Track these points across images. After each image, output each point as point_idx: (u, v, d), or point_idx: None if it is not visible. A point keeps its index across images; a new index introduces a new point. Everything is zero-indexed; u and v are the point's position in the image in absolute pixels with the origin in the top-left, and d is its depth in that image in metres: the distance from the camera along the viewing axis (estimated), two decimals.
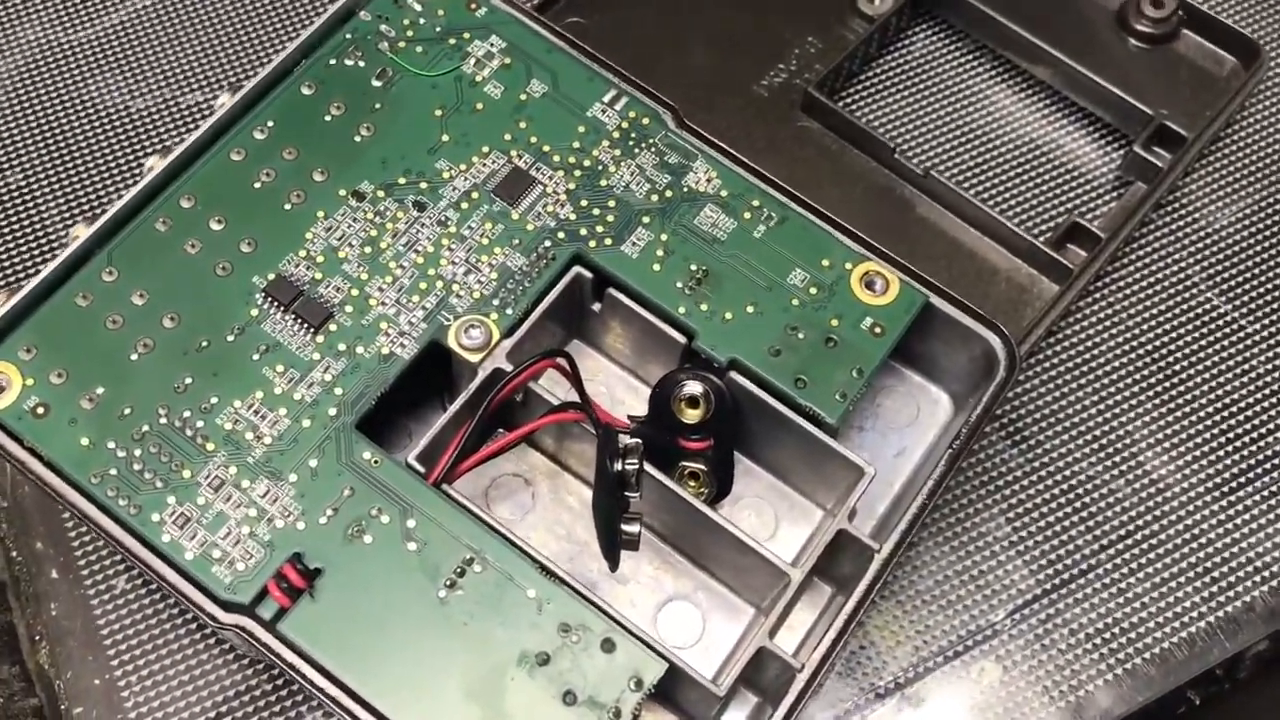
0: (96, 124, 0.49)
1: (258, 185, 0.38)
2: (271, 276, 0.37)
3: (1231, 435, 0.44)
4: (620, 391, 0.41)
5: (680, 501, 0.36)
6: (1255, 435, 0.44)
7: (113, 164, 0.48)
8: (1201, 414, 0.44)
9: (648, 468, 0.36)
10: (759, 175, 0.40)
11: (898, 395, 0.41)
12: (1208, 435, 0.44)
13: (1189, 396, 0.44)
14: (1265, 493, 0.43)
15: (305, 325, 0.36)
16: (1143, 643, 0.40)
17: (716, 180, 0.39)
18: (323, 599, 0.33)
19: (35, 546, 0.42)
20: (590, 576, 0.38)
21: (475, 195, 0.38)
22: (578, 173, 0.39)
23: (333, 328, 0.36)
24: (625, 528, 0.34)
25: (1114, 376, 0.44)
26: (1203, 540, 0.42)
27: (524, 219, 0.38)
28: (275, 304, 0.36)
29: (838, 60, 0.48)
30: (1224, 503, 0.43)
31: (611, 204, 0.39)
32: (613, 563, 0.34)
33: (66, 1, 0.52)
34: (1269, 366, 0.45)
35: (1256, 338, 0.45)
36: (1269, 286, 0.46)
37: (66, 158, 0.48)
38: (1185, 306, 0.46)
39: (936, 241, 0.46)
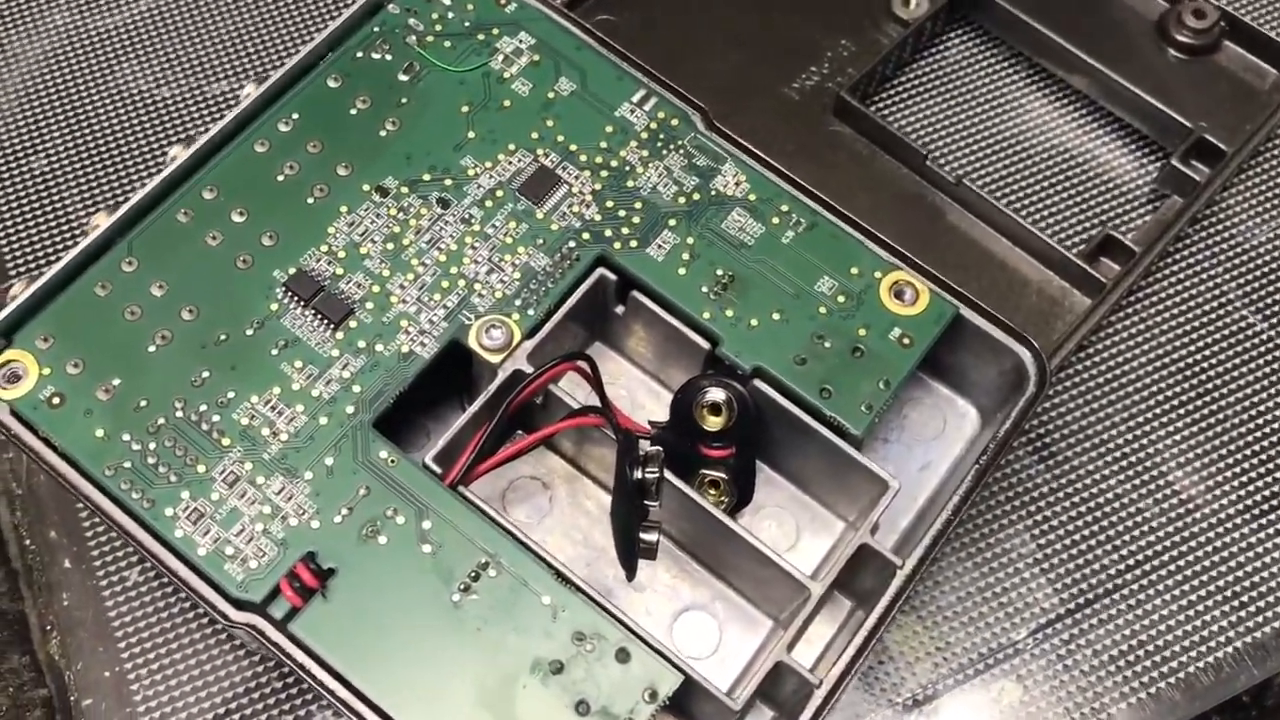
0: (122, 111, 0.49)
1: (281, 178, 0.38)
2: (292, 271, 0.36)
3: (1264, 457, 0.43)
4: (642, 396, 0.40)
5: (699, 510, 0.35)
6: None
7: (137, 152, 0.48)
8: (1233, 434, 0.43)
9: (668, 475, 0.35)
10: (788, 180, 0.39)
11: (924, 407, 0.41)
12: (1239, 456, 0.43)
13: (1221, 416, 0.43)
14: None
15: (325, 321, 0.36)
16: (1167, 666, 0.40)
17: (745, 184, 0.39)
18: (335, 600, 0.33)
19: (49, 536, 0.42)
20: (606, 583, 0.37)
21: (500, 193, 0.38)
22: (604, 173, 0.38)
23: (353, 324, 0.36)
24: (643, 536, 0.33)
25: (1145, 394, 0.43)
26: (1232, 563, 0.41)
27: (549, 219, 0.38)
28: (295, 299, 0.36)
29: (871, 64, 0.48)
30: (1254, 525, 0.42)
31: (638, 205, 0.38)
32: (630, 571, 0.34)
33: None
34: None
35: None
36: None
37: (91, 144, 0.48)
38: (1220, 324, 0.45)
39: (967, 251, 0.45)
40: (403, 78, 0.39)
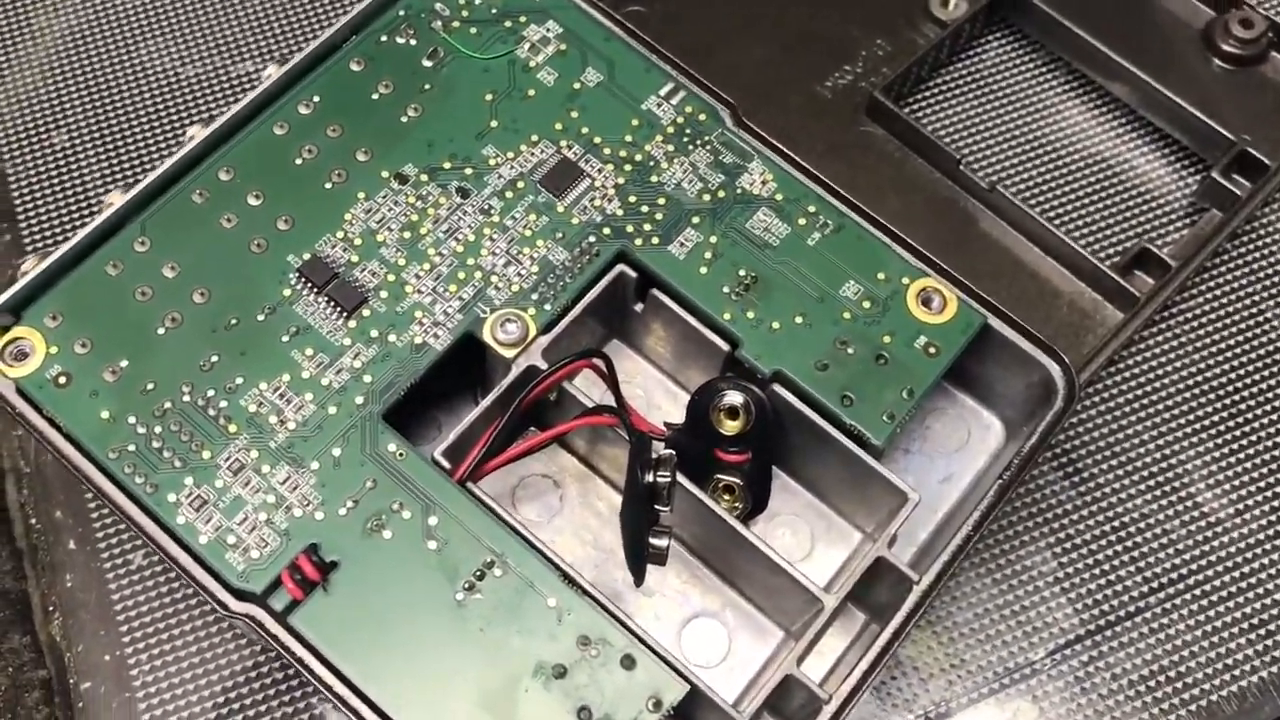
0: (145, 89, 0.48)
1: (299, 161, 0.37)
2: (307, 256, 0.36)
3: None
4: (658, 396, 0.39)
5: (712, 516, 0.35)
6: None
7: (159, 131, 0.47)
8: (1266, 456, 0.42)
9: (680, 479, 0.34)
10: (817, 180, 0.38)
11: (948, 418, 0.40)
12: (1272, 479, 0.41)
13: (1254, 437, 0.42)
14: None
15: (338, 309, 0.35)
16: (1189, 694, 0.38)
17: (772, 183, 0.38)
18: (337, 593, 0.32)
19: (55, 515, 0.41)
20: (614, 587, 0.36)
21: (521, 185, 0.37)
22: (628, 167, 0.38)
23: (366, 313, 0.35)
24: (653, 541, 0.32)
25: (1175, 412, 0.42)
26: (1260, 589, 0.40)
27: (569, 212, 0.37)
28: (309, 285, 0.35)
29: (906, 64, 0.47)
30: None
31: (661, 202, 0.37)
32: (638, 576, 0.33)
33: None
34: None
35: None
36: None
37: (112, 122, 0.48)
38: (1256, 342, 0.44)
39: (998, 259, 0.44)
40: (427, 63, 0.39)
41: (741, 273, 0.36)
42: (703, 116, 0.38)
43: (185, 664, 0.39)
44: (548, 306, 0.36)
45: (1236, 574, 0.40)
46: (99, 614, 0.40)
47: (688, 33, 0.46)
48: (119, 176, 0.46)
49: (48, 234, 0.45)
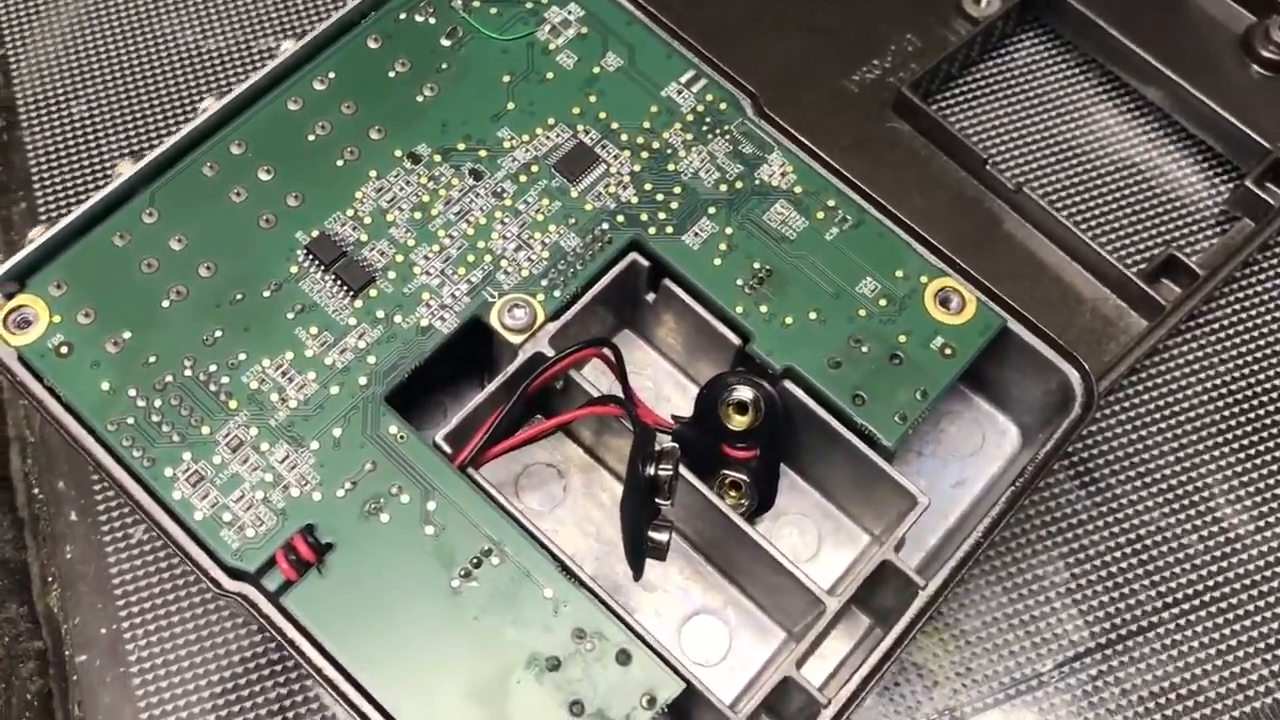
0: (165, 62, 0.48)
1: (311, 138, 0.37)
2: (315, 234, 0.35)
3: None
4: (668, 388, 0.38)
5: (716, 512, 0.34)
6: None
7: (178, 103, 0.47)
8: None
9: (685, 474, 0.34)
10: (838, 174, 0.37)
11: (963, 422, 0.39)
12: None
13: (1278, 453, 0.41)
14: None
15: (345, 288, 0.35)
16: (1200, 713, 0.38)
17: (791, 175, 0.37)
18: (331, 576, 0.32)
19: (57, 486, 0.41)
20: (615, 580, 0.36)
21: (535, 168, 0.37)
22: (645, 154, 0.37)
23: (373, 293, 0.35)
24: (654, 535, 0.32)
25: (1197, 424, 0.41)
26: (1278, 609, 0.39)
27: (583, 198, 0.36)
28: (316, 263, 0.35)
29: (936, 61, 0.46)
30: None
31: (677, 190, 0.36)
32: (636, 570, 0.32)
33: None
34: None
35: None
36: None
37: (132, 93, 0.47)
38: None
39: (1021, 262, 0.43)
40: (445, 42, 0.38)
41: (756, 265, 0.36)
42: (723, 105, 0.38)
43: (181, 641, 0.38)
44: (557, 293, 0.35)
45: (1255, 592, 0.39)
46: (97, 587, 0.39)
47: (714, 20, 0.46)
48: (136, 148, 0.46)
49: (63, 203, 0.45)
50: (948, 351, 0.35)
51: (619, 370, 0.35)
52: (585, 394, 0.35)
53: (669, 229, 0.36)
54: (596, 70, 0.38)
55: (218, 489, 0.32)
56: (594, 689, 0.31)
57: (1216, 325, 0.43)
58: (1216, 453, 0.41)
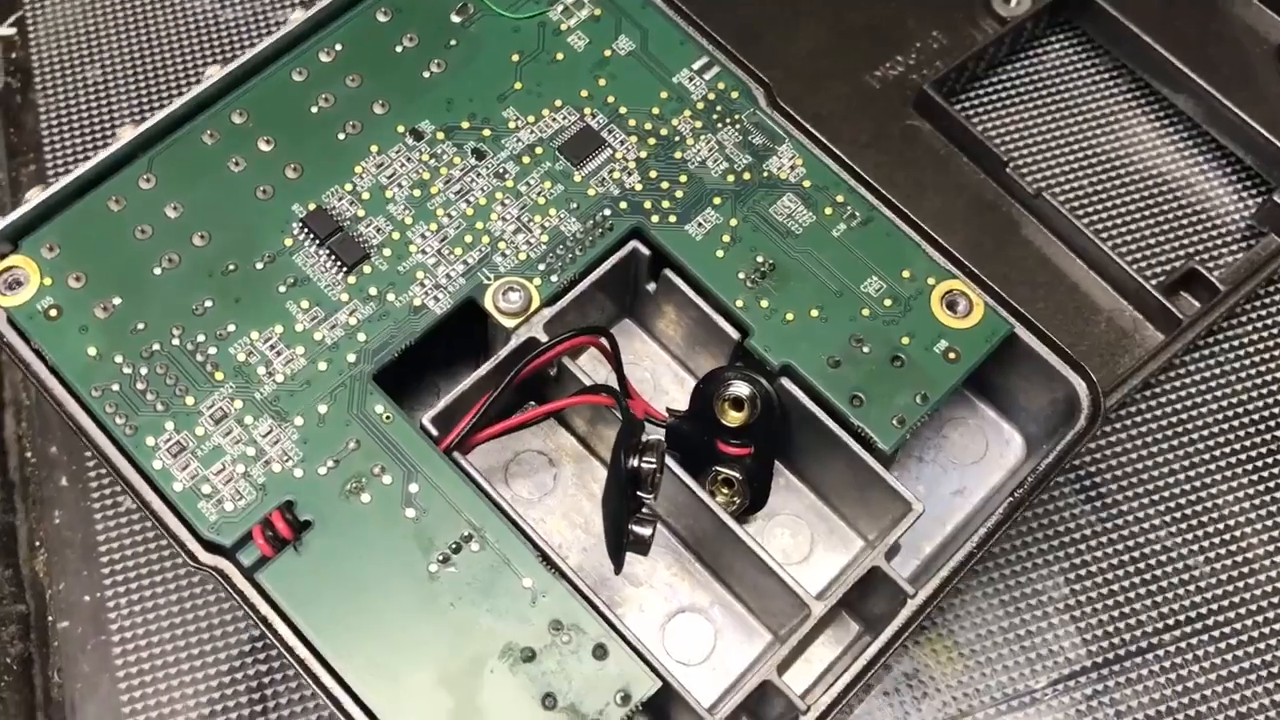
0: (182, 29, 0.48)
1: (314, 110, 0.36)
2: (312, 207, 0.35)
3: None
4: (666, 380, 0.38)
5: (706, 509, 0.33)
6: None
7: (192, 73, 0.47)
8: None
9: (675, 469, 0.33)
10: (849, 169, 0.36)
11: (967, 429, 0.38)
12: None
13: None
14: None
15: (339, 263, 0.34)
16: None
17: (801, 168, 0.36)
18: (308, 554, 0.31)
19: (49, 451, 0.41)
20: (601, 573, 0.35)
21: (539, 150, 0.36)
22: (652, 141, 0.36)
23: (366, 270, 0.34)
24: (637, 529, 0.31)
25: (1210, 443, 0.40)
26: None
27: (586, 182, 0.35)
28: (311, 236, 0.34)
29: (960, 59, 0.45)
30: None
31: (683, 179, 0.36)
32: (616, 564, 0.31)
33: None
34: None
35: None
36: None
37: (147, 60, 0.47)
38: None
39: (1038, 269, 0.42)
40: (455, 19, 0.37)
41: (759, 259, 0.35)
42: (735, 94, 0.37)
43: (164, 612, 0.38)
44: (554, 278, 0.34)
45: (1260, 619, 0.38)
46: (83, 553, 0.39)
47: (735, 9, 0.45)
48: (149, 115, 0.45)
49: (72, 167, 0.45)
50: (951, 356, 0.34)
51: (614, 360, 0.34)
52: (579, 382, 0.34)
53: (672, 218, 0.35)
54: (607, 53, 0.37)
55: (199, 460, 0.32)
56: (568, 682, 0.30)
57: (1236, 342, 0.42)
58: (1229, 473, 0.40)
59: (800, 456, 0.36)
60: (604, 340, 0.34)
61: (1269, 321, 0.42)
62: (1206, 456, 0.40)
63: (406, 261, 0.34)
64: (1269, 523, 0.39)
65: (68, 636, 0.38)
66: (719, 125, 0.36)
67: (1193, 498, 0.40)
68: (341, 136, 0.36)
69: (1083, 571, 0.39)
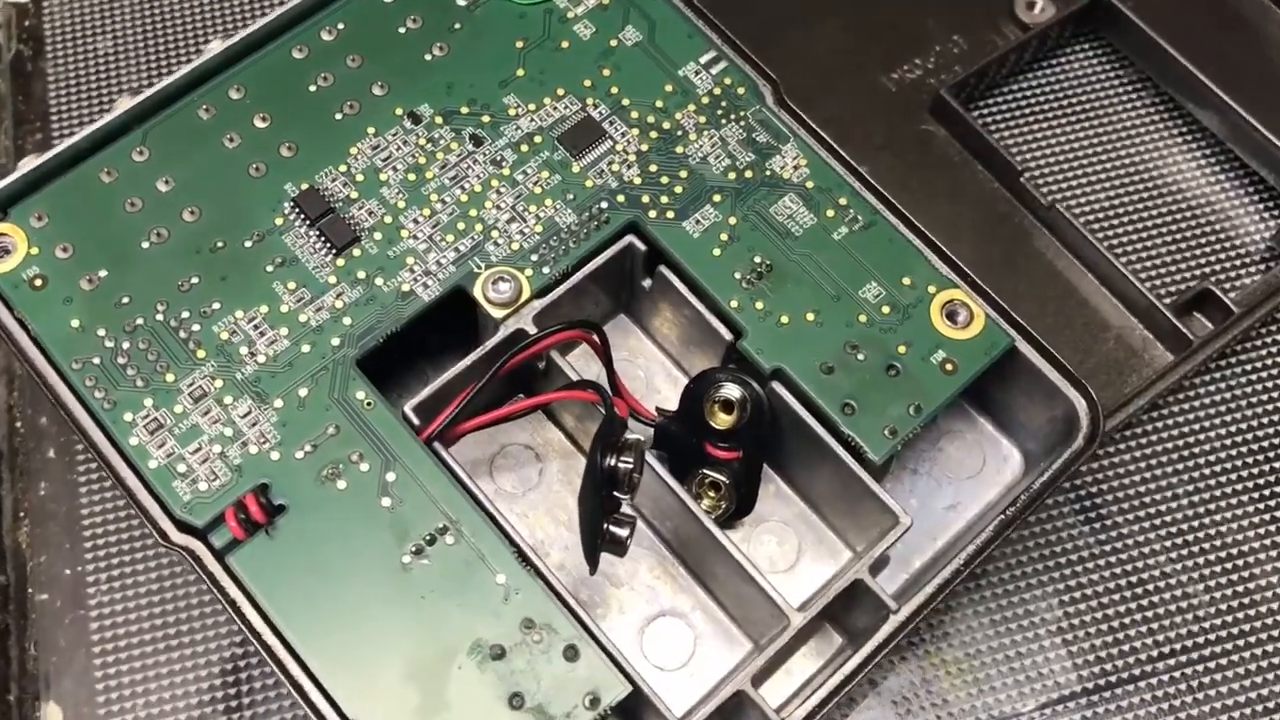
0: (196, 3, 0.47)
1: (312, 88, 0.36)
2: (305, 187, 0.34)
3: None
4: (659, 379, 0.37)
5: (689, 512, 0.32)
6: None
7: (204, 47, 0.46)
8: None
9: (659, 470, 0.32)
10: (854, 172, 0.36)
11: (964, 442, 0.37)
12: None
13: None
14: None
15: (328, 245, 0.34)
16: None
17: (805, 168, 0.35)
18: (279, 539, 0.31)
19: (39, 421, 0.40)
20: (582, 571, 0.34)
21: (538, 139, 0.35)
22: (654, 134, 0.35)
23: (356, 253, 0.34)
24: (613, 529, 0.31)
25: (1216, 468, 0.39)
26: None
27: (584, 174, 0.35)
28: (302, 217, 0.34)
29: (980, 64, 0.44)
30: None
31: (683, 174, 0.35)
32: (591, 564, 0.31)
33: None
34: None
35: None
36: None
37: (159, 33, 0.47)
38: None
39: (1047, 282, 0.41)
40: (461, 2, 0.37)
41: (757, 259, 0.34)
42: (741, 90, 0.36)
43: (144, 590, 0.38)
44: (546, 269, 0.34)
45: (1259, 650, 0.37)
46: (66, 527, 0.39)
47: (750, 4, 0.44)
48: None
49: None
50: (949, 367, 0.33)
51: (604, 355, 0.33)
52: (567, 377, 0.33)
53: (670, 213, 0.35)
54: (613, 43, 0.37)
55: (175, 439, 0.31)
56: (537, 683, 0.30)
57: (1248, 366, 0.41)
58: (1235, 500, 0.39)
59: (790, 463, 0.35)
60: (594, 335, 0.33)
61: None
62: (1212, 482, 0.39)
63: (397, 246, 0.34)
64: (1273, 553, 0.38)
65: (46, 609, 0.38)
66: (723, 121, 0.36)
67: (1195, 524, 0.39)
68: (338, 117, 0.35)
69: (1078, 594, 0.38)
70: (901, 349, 0.33)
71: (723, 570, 0.33)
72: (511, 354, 0.32)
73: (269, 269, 0.33)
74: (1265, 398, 0.40)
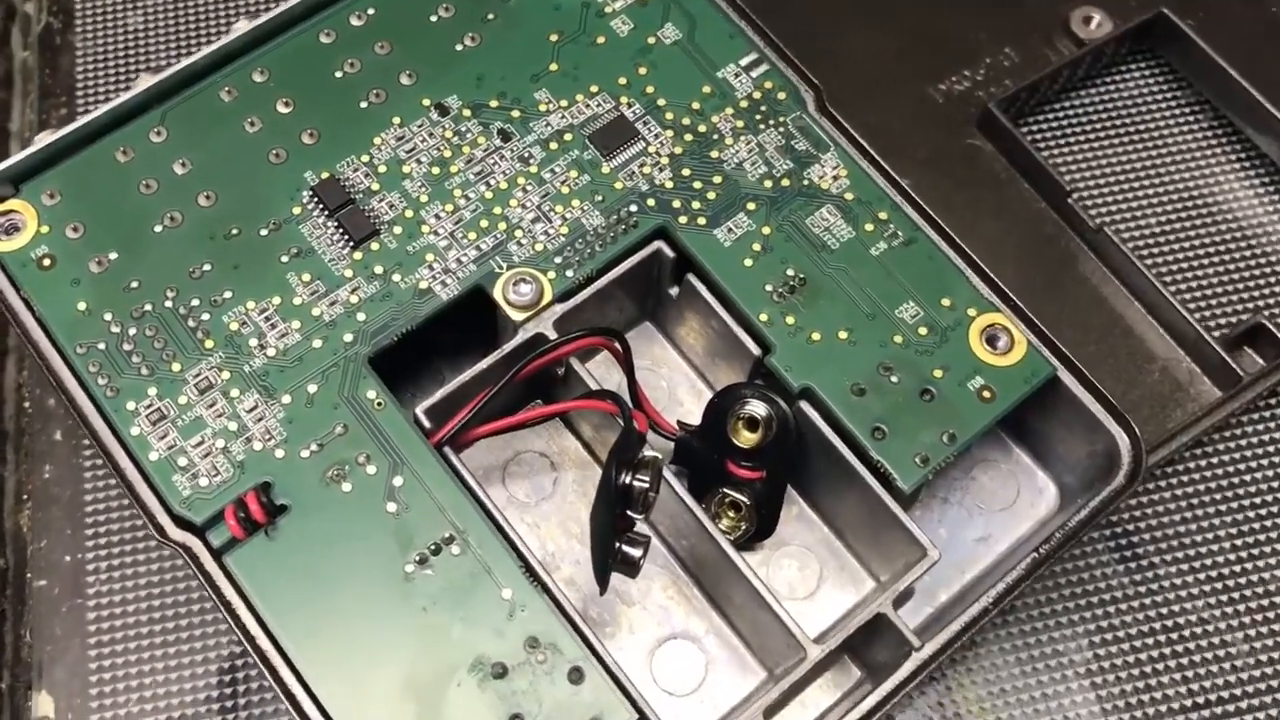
0: None
1: (339, 74, 0.34)
2: (325, 176, 0.33)
3: None
4: (683, 391, 0.36)
5: (707, 533, 0.31)
6: None
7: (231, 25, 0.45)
8: None
9: (677, 487, 0.31)
10: (895, 185, 0.34)
11: (998, 472, 0.36)
12: None
13: None
14: None
15: (346, 237, 0.32)
16: None
17: (845, 179, 0.34)
18: (280, 540, 0.30)
19: (47, 403, 0.39)
20: (592, 587, 0.33)
21: (568, 137, 0.34)
22: (689, 137, 0.34)
23: (374, 246, 0.32)
24: (626, 549, 0.29)
25: (1262, 511, 0.37)
26: None
27: (614, 175, 0.34)
28: (321, 206, 0.33)
29: (1031, 79, 0.42)
30: None
31: (717, 180, 0.34)
32: (601, 583, 0.29)
33: None
34: None
35: None
36: None
37: (191, 9, 0.46)
38: None
39: (1092, 309, 0.39)
40: None
41: (790, 272, 0.33)
42: (782, 95, 0.35)
43: (144, 582, 0.37)
44: (569, 273, 0.32)
45: None
46: (69, 512, 0.38)
47: (796, 5, 0.43)
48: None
49: None
50: (986, 395, 0.32)
51: (626, 364, 0.32)
52: (585, 385, 0.32)
53: (701, 220, 0.33)
54: (651, 40, 0.35)
55: (178, 431, 0.30)
56: (538, 704, 0.28)
57: None
58: (1279, 546, 0.37)
59: (815, 486, 0.34)
60: (616, 343, 0.32)
61: None
62: (1256, 526, 0.37)
63: (417, 242, 0.33)
64: None
65: (44, 596, 0.37)
66: (761, 126, 0.34)
67: (1236, 569, 0.37)
68: (364, 105, 0.34)
69: (1109, 635, 0.36)
70: (937, 373, 0.32)
71: (739, 595, 0.32)
72: (529, 359, 0.31)
73: (284, 259, 0.32)
74: None
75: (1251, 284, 0.41)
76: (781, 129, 0.34)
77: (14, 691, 0.36)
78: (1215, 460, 0.38)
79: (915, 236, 0.33)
